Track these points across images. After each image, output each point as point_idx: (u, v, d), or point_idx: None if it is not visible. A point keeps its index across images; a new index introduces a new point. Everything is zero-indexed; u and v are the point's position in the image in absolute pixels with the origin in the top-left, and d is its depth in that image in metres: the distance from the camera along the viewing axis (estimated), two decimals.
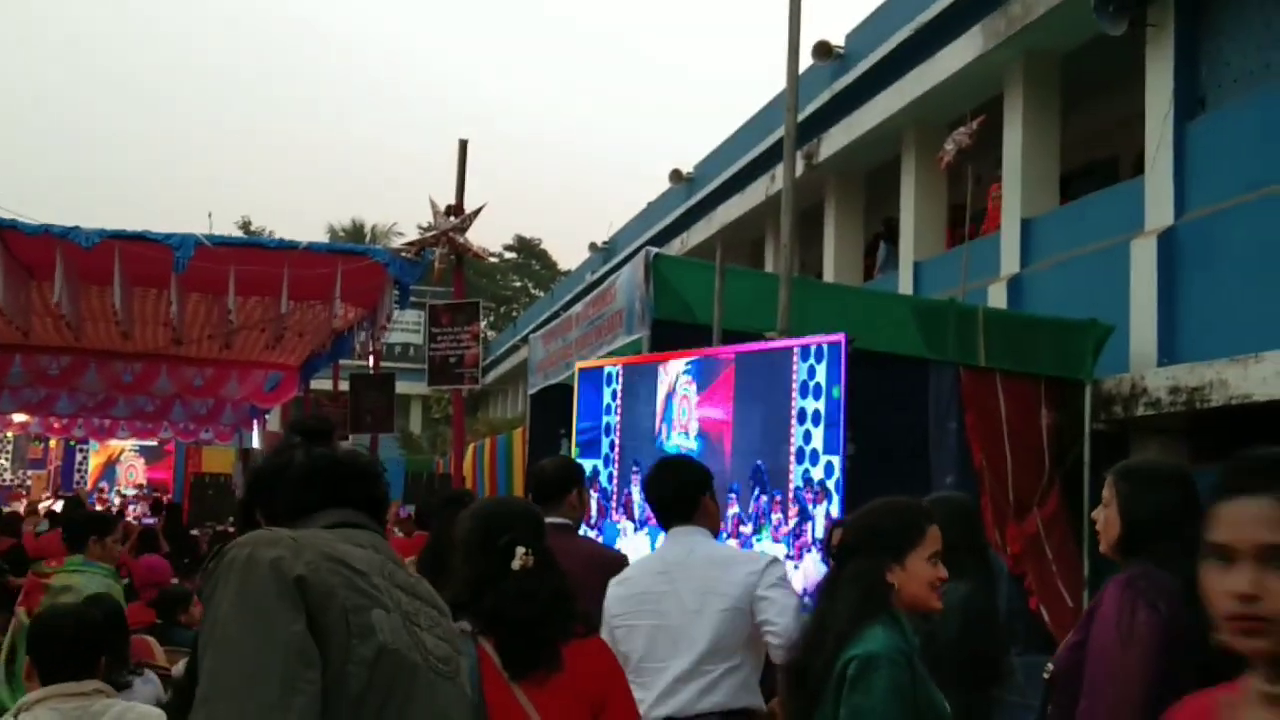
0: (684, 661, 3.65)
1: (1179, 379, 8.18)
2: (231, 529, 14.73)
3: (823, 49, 15.43)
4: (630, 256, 13.24)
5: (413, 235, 9.39)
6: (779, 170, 12.27)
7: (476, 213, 9.03)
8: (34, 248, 9.06)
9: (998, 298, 11.49)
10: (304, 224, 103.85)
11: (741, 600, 3.65)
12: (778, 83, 6.96)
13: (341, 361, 14.45)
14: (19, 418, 21.08)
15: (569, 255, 50.64)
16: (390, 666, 1.89)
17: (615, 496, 6.22)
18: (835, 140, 15.02)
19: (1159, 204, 9.68)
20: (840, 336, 5.15)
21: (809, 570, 4.96)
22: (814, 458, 5.16)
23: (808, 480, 5.16)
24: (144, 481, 31.69)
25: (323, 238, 40.20)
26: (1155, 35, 9.83)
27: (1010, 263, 11.86)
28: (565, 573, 2.70)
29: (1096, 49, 10.69)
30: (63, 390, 16.80)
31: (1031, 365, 7.94)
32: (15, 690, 4.77)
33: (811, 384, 5.24)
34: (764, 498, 5.40)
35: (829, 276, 16.09)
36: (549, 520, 4.23)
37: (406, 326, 37.53)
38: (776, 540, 5.27)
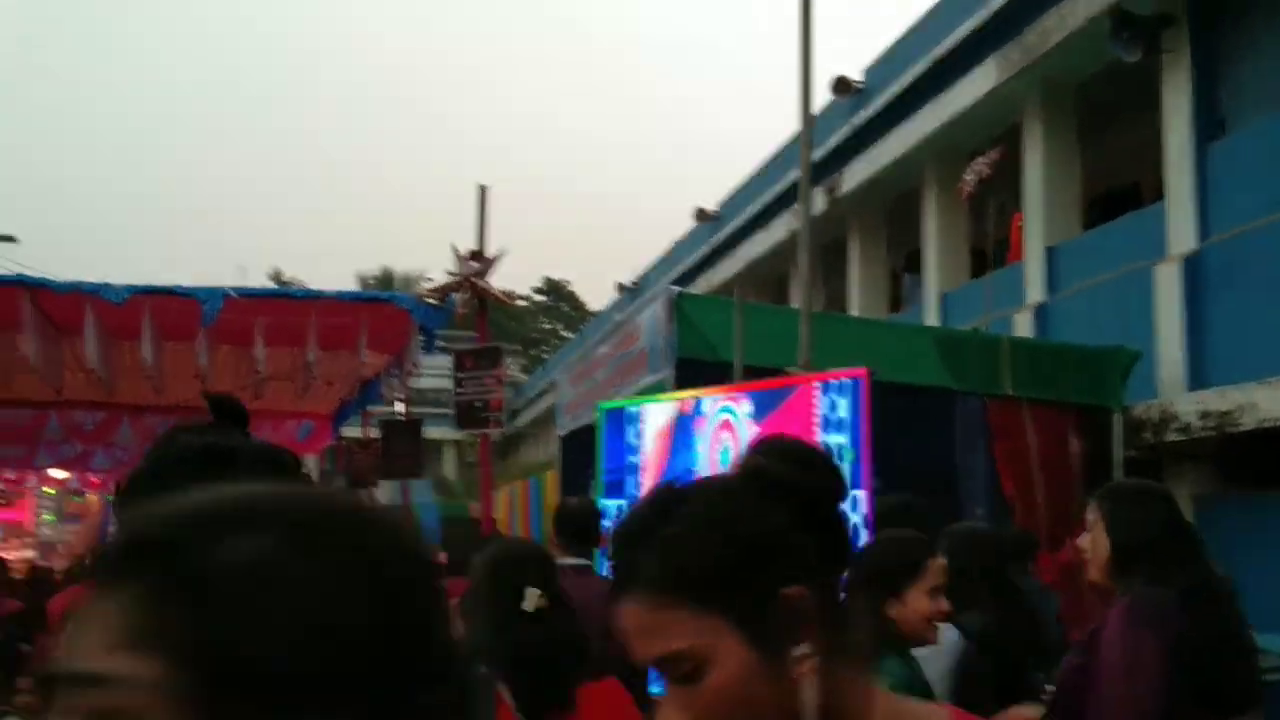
0: None
1: (1209, 403, 8.13)
2: None
3: (842, 84, 15.51)
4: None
5: (441, 282, 9.42)
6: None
7: (498, 257, 9.08)
8: (64, 305, 9.16)
9: (1024, 326, 11.46)
10: (333, 274, 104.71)
11: None
12: (798, 120, 7.00)
13: (372, 408, 14.52)
14: (58, 474, 21.32)
15: (598, 296, 50.86)
16: None
17: None
18: (857, 174, 15.07)
19: (1181, 228, 9.65)
20: (862, 371, 5.16)
21: None
22: None
23: None
24: None
25: (352, 286, 40.48)
26: (1171, 61, 9.84)
27: (1035, 291, 11.84)
28: (581, 614, 2.71)
29: (1113, 76, 10.70)
30: (98, 446, 16.94)
31: (1059, 393, 7.90)
32: None
33: (834, 418, 5.24)
34: None
35: (854, 309, 16.09)
36: (572, 561, 4.25)
37: (438, 372, 37.55)
38: None
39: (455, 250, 9.08)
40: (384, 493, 13.22)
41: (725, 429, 5.81)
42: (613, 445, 6.56)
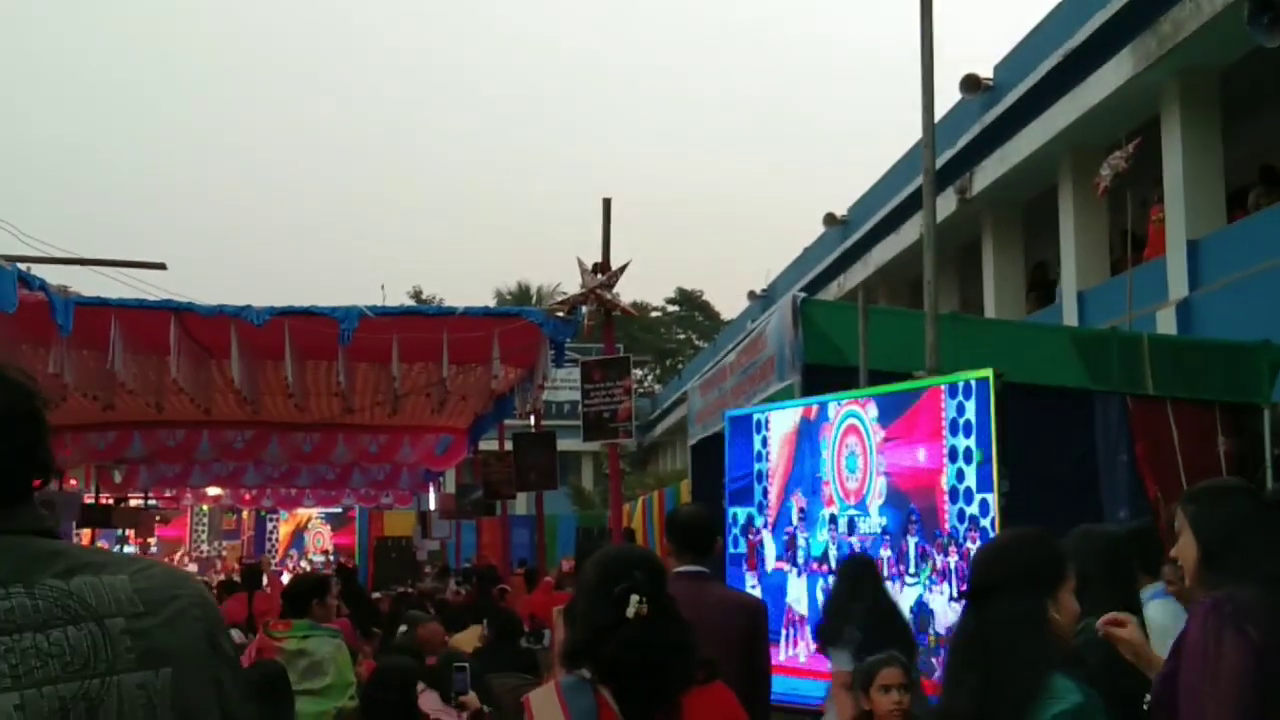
0: None
1: None
2: (411, 590, 15.14)
3: (971, 82, 15.26)
4: None
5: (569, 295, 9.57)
6: None
7: (622, 269, 9.15)
8: (209, 328, 9.57)
9: (1166, 323, 11.12)
10: (474, 290, 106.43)
11: None
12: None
13: (507, 422, 14.76)
14: (212, 491, 22.19)
15: (731, 304, 50.69)
16: None
17: (779, 544, 6.19)
18: (989, 173, 14.81)
19: None
20: (989, 372, 5.06)
21: None
22: (968, 496, 5.06)
23: (964, 519, 5.07)
24: (330, 548, 32.78)
25: (490, 302, 41.16)
26: None
27: (1178, 287, 11.48)
28: (687, 621, 2.71)
29: (1256, 61, 10.33)
30: (249, 463, 17.61)
31: (1204, 391, 7.64)
32: None
33: (961, 421, 5.15)
34: (912, 539, 5.33)
35: (989, 311, 15.80)
36: (686, 569, 4.25)
37: (573, 385, 38.02)
38: (940, 583, 5.18)
39: (581, 264, 9.19)
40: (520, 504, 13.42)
41: (852, 433, 5.77)
42: (739, 453, 6.55)
